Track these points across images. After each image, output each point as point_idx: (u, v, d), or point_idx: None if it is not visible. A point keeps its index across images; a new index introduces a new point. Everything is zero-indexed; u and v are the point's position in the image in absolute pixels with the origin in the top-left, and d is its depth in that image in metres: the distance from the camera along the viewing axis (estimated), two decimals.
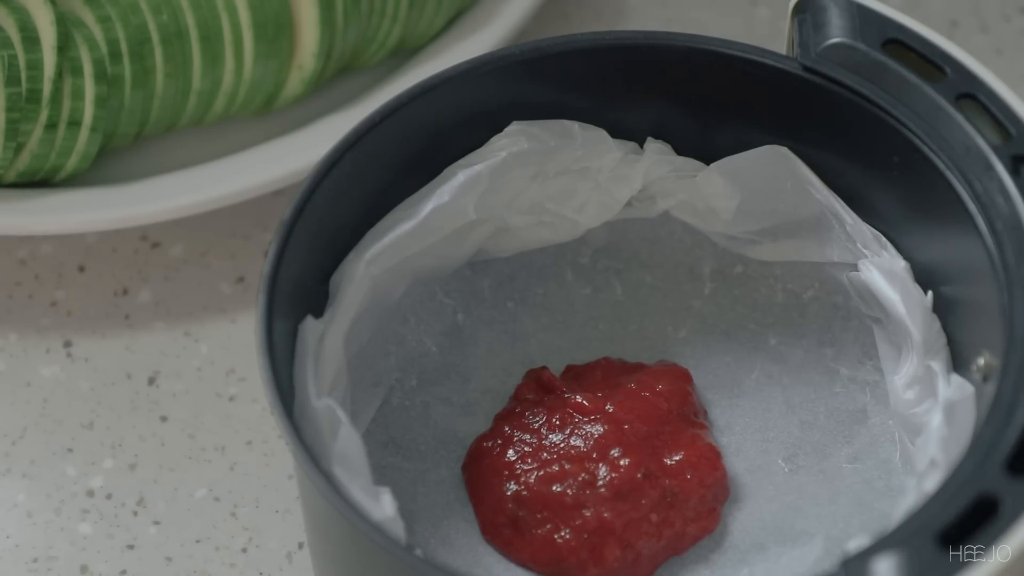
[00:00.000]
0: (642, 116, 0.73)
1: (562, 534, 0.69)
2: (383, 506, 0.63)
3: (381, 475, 0.71)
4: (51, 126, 0.80)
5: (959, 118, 0.67)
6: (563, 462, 0.70)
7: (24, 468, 0.78)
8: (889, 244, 0.71)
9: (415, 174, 0.71)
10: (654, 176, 0.74)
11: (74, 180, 0.83)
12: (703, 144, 0.73)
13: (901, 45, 0.69)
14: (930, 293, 0.69)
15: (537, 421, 0.72)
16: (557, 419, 0.71)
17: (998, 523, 0.58)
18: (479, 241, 0.74)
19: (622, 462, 0.70)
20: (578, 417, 0.71)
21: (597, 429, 0.71)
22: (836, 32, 0.69)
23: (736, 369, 0.75)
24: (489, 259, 0.76)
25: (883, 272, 0.70)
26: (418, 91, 0.70)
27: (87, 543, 0.76)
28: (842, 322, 0.75)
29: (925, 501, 0.60)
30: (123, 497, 0.78)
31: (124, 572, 0.76)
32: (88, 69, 0.80)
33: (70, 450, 0.79)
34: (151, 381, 0.81)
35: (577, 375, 0.74)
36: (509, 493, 0.70)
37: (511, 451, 0.71)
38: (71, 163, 0.81)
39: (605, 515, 0.69)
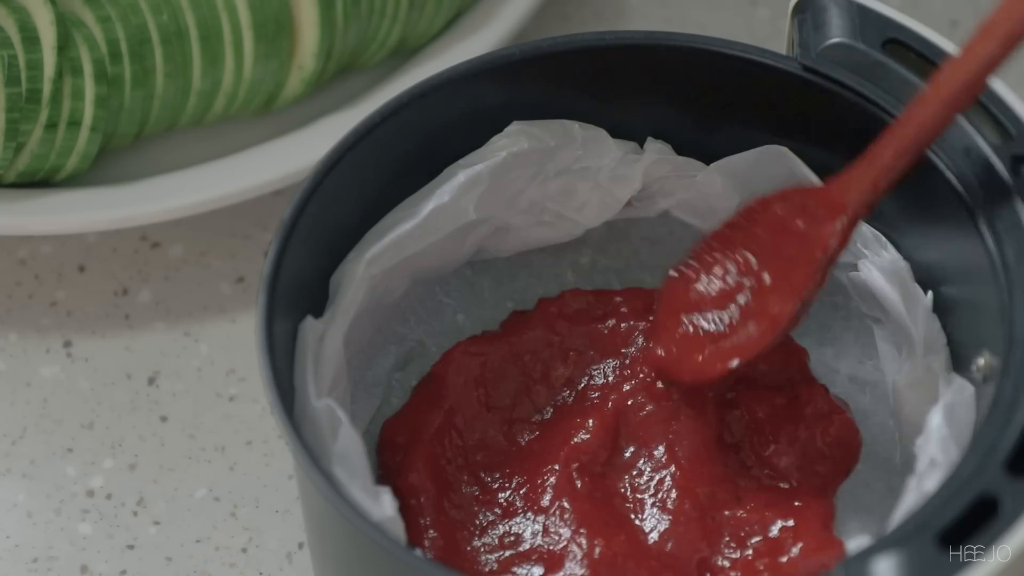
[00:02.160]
0: (642, 116, 0.73)
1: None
2: (383, 506, 0.63)
3: None
4: (51, 126, 0.80)
5: (959, 118, 0.67)
6: None
7: (24, 468, 0.78)
8: (889, 244, 0.71)
9: (415, 174, 0.71)
10: (654, 176, 0.74)
11: (74, 180, 0.83)
12: (703, 144, 0.73)
13: (901, 45, 0.69)
14: (930, 293, 0.69)
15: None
16: None
17: (998, 523, 0.58)
18: (479, 241, 0.74)
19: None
20: None
21: None
22: (836, 32, 0.69)
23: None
24: (489, 259, 0.76)
25: (883, 272, 0.70)
26: (418, 91, 0.70)
27: (87, 543, 0.76)
28: (842, 322, 0.74)
29: (925, 501, 0.60)
30: (123, 497, 0.78)
31: (124, 572, 0.76)
32: (88, 69, 0.80)
33: (70, 450, 0.79)
34: (151, 381, 0.81)
35: None
36: None
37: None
38: (71, 163, 0.81)
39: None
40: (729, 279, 0.69)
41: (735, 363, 0.68)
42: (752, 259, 0.68)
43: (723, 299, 0.69)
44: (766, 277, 0.68)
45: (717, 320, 0.69)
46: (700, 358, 0.69)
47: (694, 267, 0.70)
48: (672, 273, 0.70)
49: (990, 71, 0.63)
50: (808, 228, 0.67)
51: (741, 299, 0.68)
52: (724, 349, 0.68)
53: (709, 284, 0.69)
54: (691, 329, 0.69)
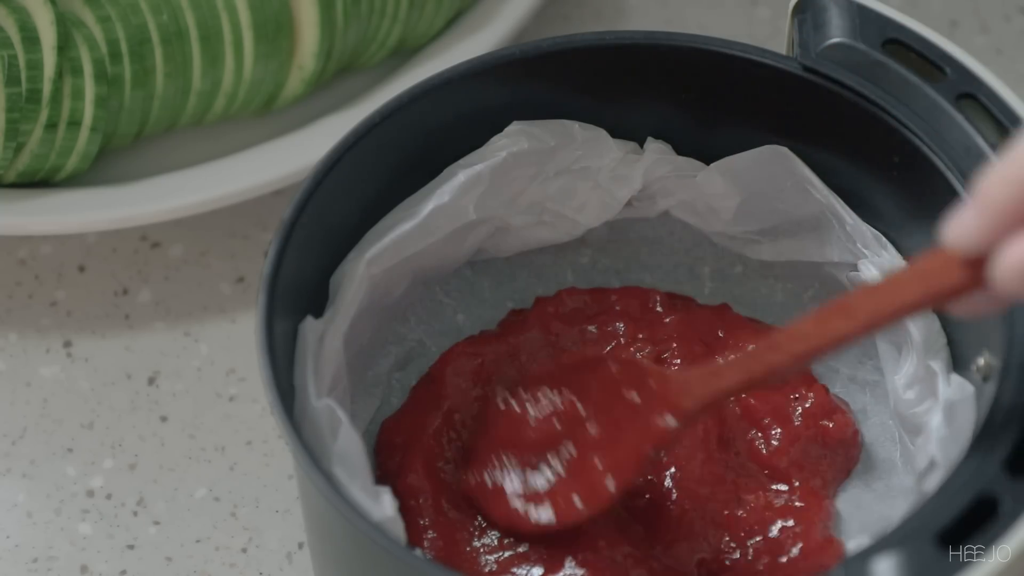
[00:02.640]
0: (642, 116, 0.73)
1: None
2: (383, 506, 0.63)
3: None
4: (51, 126, 0.80)
5: (959, 118, 0.67)
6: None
7: (24, 468, 0.78)
8: (889, 244, 0.71)
9: (415, 174, 0.71)
10: (654, 176, 0.74)
11: (74, 180, 0.83)
12: (703, 144, 0.73)
13: (901, 45, 0.69)
14: None
15: None
16: None
17: (998, 523, 0.58)
18: (479, 241, 0.74)
19: None
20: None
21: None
22: (836, 32, 0.69)
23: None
24: (489, 259, 0.76)
25: (883, 272, 0.70)
26: (418, 91, 0.70)
27: (87, 543, 0.76)
28: None
29: (925, 501, 0.60)
30: (123, 497, 0.78)
31: (124, 572, 0.76)
32: (88, 69, 0.80)
33: (70, 450, 0.79)
34: (151, 381, 0.81)
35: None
36: None
37: None
38: (71, 163, 0.81)
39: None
40: (556, 423, 0.68)
41: (550, 522, 0.67)
42: (579, 407, 0.67)
43: (546, 446, 0.68)
44: (592, 429, 0.67)
45: (540, 472, 0.67)
46: (510, 508, 0.68)
47: (521, 400, 0.69)
48: (499, 404, 0.70)
49: (844, 345, 0.62)
50: (642, 407, 0.66)
51: (564, 453, 0.67)
52: (540, 506, 0.67)
53: (535, 424, 0.68)
54: (509, 472, 0.68)
